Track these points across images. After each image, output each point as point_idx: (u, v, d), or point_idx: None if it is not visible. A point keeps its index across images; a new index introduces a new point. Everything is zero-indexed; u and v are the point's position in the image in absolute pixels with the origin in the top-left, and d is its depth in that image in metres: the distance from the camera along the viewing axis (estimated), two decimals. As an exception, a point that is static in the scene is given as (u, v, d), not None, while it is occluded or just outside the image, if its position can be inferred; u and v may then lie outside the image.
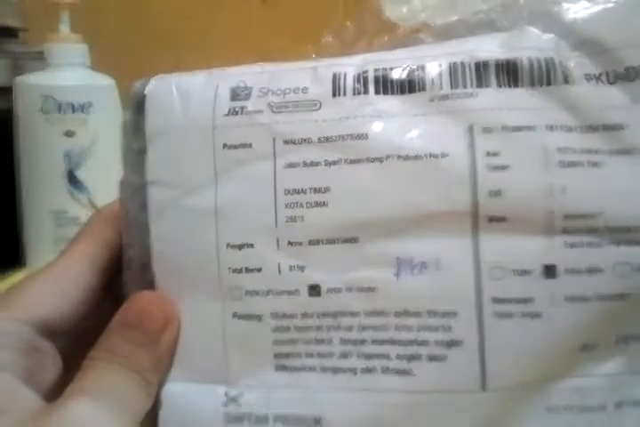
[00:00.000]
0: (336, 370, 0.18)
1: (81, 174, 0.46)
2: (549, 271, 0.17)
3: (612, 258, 0.16)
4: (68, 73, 0.46)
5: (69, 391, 0.17)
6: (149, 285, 0.19)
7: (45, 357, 0.18)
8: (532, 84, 0.17)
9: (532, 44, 0.17)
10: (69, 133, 0.46)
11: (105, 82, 0.48)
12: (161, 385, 0.18)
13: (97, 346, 0.18)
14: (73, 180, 0.46)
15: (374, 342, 0.17)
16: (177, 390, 0.18)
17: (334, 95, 0.18)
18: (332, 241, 0.18)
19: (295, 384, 0.18)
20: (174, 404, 0.18)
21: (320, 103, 0.18)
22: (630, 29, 0.17)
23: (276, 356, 0.18)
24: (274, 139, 0.18)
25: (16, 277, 0.47)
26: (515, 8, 0.18)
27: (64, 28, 0.46)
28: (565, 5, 0.17)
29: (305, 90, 0.18)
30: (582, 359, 0.17)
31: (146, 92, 0.19)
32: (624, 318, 0.17)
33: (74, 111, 0.45)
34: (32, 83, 0.45)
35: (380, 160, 0.17)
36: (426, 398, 0.17)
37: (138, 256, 0.19)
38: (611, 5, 0.17)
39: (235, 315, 0.18)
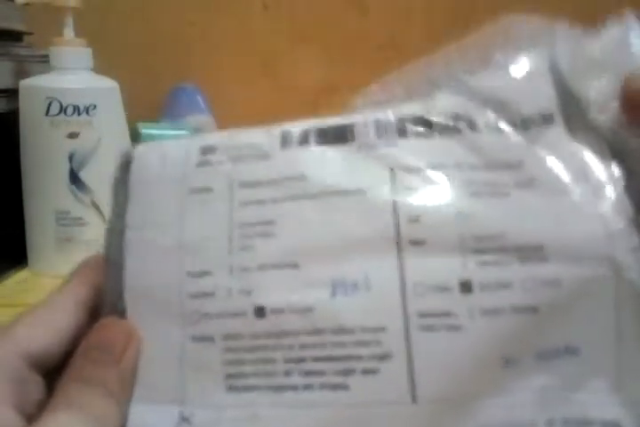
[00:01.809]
0: (280, 388, 0.19)
1: (84, 175, 0.47)
2: (465, 287, 0.18)
3: (518, 274, 0.18)
4: (72, 76, 0.47)
5: (46, 410, 0.18)
6: (121, 313, 0.21)
7: (32, 387, 0.19)
8: (442, 133, 0.21)
9: (442, 104, 0.21)
10: (73, 135, 0.46)
11: (108, 85, 0.48)
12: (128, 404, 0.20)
13: (66, 370, 0.19)
14: (76, 180, 0.47)
15: (313, 359, 0.19)
16: (138, 411, 0.19)
17: (282, 147, 0.21)
18: (276, 267, 0.20)
19: (243, 403, 0.19)
20: (135, 424, 0.19)
21: (270, 154, 0.21)
22: (522, 89, 0.21)
23: (227, 376, 0.19)
24: (231, 183, 0.21)
25: (20, 276, 0.48)
26: (428, 81, 0.22)
27: (68, 32, 0.47)
28: (470, 75, 0.21)
29: (259, 145, 0.22)
30: (507, 375, 0.18)
31: (133, 154, 0.23)
32: (539, 332, 0.18)
33: (78, 113, 0.46)
34: (37, 85, 0.46)
35: (317, 196, 0.20)
36: (361, 410, 0.18)
37: (112, 293, 0.21)
38: (505, 73, 0.21)
39: (192, 338, 0.20)
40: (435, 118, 0.21)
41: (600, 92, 0.20)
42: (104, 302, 0.21)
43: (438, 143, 0.20)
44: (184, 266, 0.20)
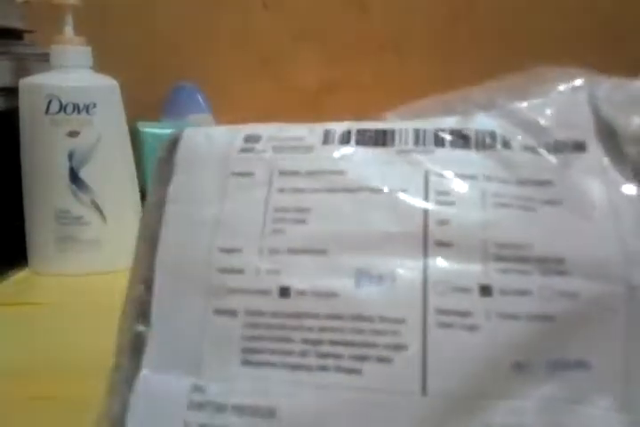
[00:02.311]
0: (295, 367, 0.20)
1: (84, 174, 0.47)
2: (485, 291, 0.19)
3: (538, 284, 0.19)
4: (72, 74, 0.47)
5: None
6: (149, 284, 0.22)
7: None
8: (477, 147, 0.22)
9: (480, 122, 0.23)
10: (73, 134, 0.46)
11: (108, 83, 0.48)
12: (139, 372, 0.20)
13: None
14: (76, 179, 0.47)
15: (330, 342, 0.20)
16: (152, 378, 0.20)
17: (324, 143, 0.23)
18: (305, 252, 0.21)
19: (257, 378, 0.20)
20: (146, 390, 0.20)
21: (312, 148, 0.23)
22: (558, 116, 0.22)
23: (244, 350, 0.20)
24: (271, 170, 0.22)
25: (20, 276, 0.48)
26: (468, 101, 0.24)
27: (68, 31, 0.47)
28: (510, 101, 0.23)
29: (302, 138, 0.23)
30: (516, 380, 0.19)
31: (182, 134, 0.24)
32: (552, 342, 0.19)
33: (78, 112, 0.46)
34: (37, 84, 0.46)
35: (353, 191, 0.21)
36: (371, 396, 0.19)
37: (143, 263, 0.22)
38: (543, 101, 0.22)
39: (215, 311, 0.21)
40: (472, 133, 0.22)
41: (636, 127, 0.21)
42: (133, 271, 0.22)
43: (473, 156, 0.22)
44: (216, 241, 0.21)
